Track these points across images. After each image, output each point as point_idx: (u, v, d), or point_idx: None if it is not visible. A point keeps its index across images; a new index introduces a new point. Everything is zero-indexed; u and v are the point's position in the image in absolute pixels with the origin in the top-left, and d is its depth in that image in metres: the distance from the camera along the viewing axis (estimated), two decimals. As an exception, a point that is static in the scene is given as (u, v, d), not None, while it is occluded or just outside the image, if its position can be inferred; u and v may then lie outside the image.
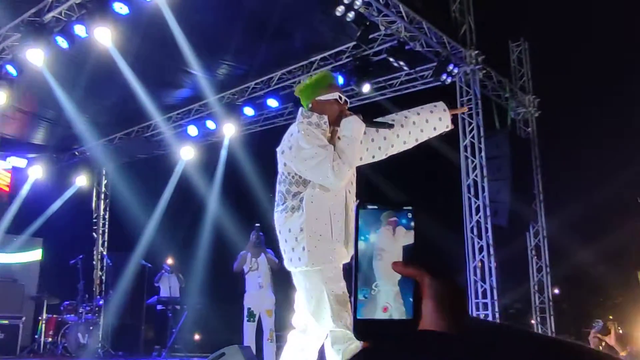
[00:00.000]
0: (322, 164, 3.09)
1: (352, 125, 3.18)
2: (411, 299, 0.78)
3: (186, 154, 11.00)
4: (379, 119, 3.37)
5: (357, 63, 8.42)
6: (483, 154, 8.29)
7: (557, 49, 9.81)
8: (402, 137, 3.38)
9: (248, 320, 7.35)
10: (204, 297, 11.29)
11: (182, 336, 9.94)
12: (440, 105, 3.45)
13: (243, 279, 7.70)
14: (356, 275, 0.78)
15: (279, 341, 7.60)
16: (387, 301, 0.78)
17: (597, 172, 9.95)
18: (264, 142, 10.70)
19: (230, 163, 10.93)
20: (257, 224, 7.77)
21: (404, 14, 7.50)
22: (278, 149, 3.29)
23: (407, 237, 0.80)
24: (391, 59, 7.86)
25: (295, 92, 3.50)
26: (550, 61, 9.90)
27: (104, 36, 6.76)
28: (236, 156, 10.75)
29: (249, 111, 9.72)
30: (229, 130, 10.17)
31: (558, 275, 10.26)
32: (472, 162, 8.33)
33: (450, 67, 7.99)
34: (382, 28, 7.63)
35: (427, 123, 3.41)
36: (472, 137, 8.38)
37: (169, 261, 10.48)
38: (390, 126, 3.33)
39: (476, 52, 8.40)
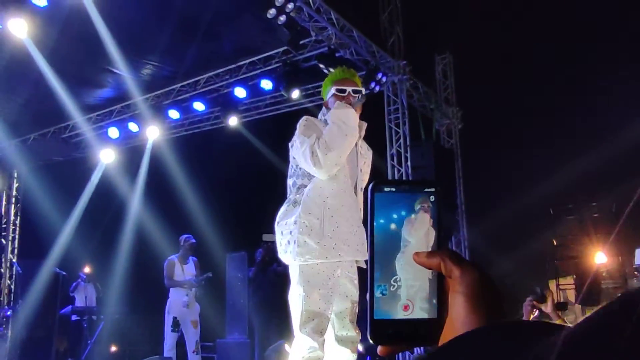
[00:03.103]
0: (305, 151, 3.07)
1: (337, 111, 3.16)
2: (436, 295, 0.67)
3: (106, 157, 10.53)
4: None
5: (287, 69, 8.35)
6: (409, 163, 8.42)
7: (480, 63, 10.12)
8: None
9: (172, 331, 7.06)
10: (123, 306, 10.82)
11: (98, 348, 9.47)
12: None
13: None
14: (372, 269, 0.67)
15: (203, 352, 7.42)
16: (409, 298, 0.67)
17: (515, 183, 10.31)
18: (189, 146, 10.44)
19: (153, 167, 10.56)
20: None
21: (334, 21, 7.51)
22: (290, 143, 3.30)
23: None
24: (321, 66, 7.84)
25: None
26: (473, 75, 10.20)
27: (18, 28, 6.36)
28: (160, 160, 10.40)
29: (174, 114, 9.44)
30: (153, 133, 9.82)
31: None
32: (399, 170, 8.43)
33: (379, 76, 8.07)
34: (312, 34, 7.60)
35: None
36: (399, 146, 8.50)
37: (86, 270, 9.98)
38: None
39: (404, 62, 8.55)
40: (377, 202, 0.69)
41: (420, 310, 0.67)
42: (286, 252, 3.13)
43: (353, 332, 3.21)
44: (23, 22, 6.31)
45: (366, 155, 3.45)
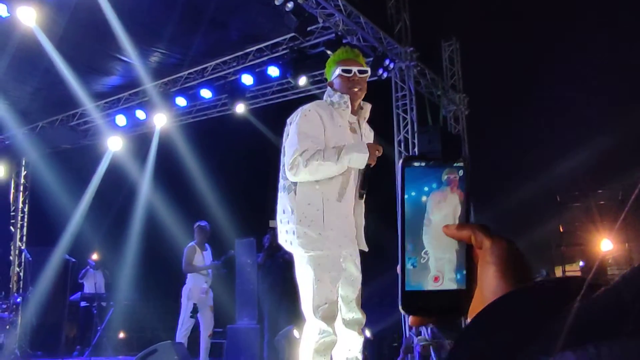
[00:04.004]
0: (289, 150, 3.04)
1: (354, 151, 3.00)
2: (465, 267, 0.68)
3: (114, 145, 10.56)
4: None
5: (294, 55, 8.34)
6: (416, 149, 8.43)
7: (486, 49, 10.09)
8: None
9: (191, 317, 7.14)
10: (132, 293, 10.92)
11: (107, 334, 9.57)
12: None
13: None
14: (403, 241, 0.69)
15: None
16: (439, 270, 0.69)
17: (521, 170, 10.32)
18: (197, 133, 10.46)
19: (161, 155, 10.59)
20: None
21: (342, 8, 7.50)
22: (288, 120, 3.24)
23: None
24: (328, 52, 7.82)
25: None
26: (480, 61, 10.17)
27: (27, 16, 6.39)
28: (168, 148, 10.43)
29: (181, 101, 9.46)
30: (160, 121, 9.84)
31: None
32: (406, 157, 8.45)
33: (387, 62, 8.06)
34: (320, 21, 7.59)
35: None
36: (406, 132, 8.51)
37: (94, 257, 10.06)
38: (365, 187, 3.22)
39: (411, 49, 8.53)
40: (407, 177, 0.70)
41: (449, 281, 0.68)
42: (287, 242, 3.11)
43: (359, 314, 3.21)
44: (32, 10, 6.34)
45: (368, 137, 3.42)
